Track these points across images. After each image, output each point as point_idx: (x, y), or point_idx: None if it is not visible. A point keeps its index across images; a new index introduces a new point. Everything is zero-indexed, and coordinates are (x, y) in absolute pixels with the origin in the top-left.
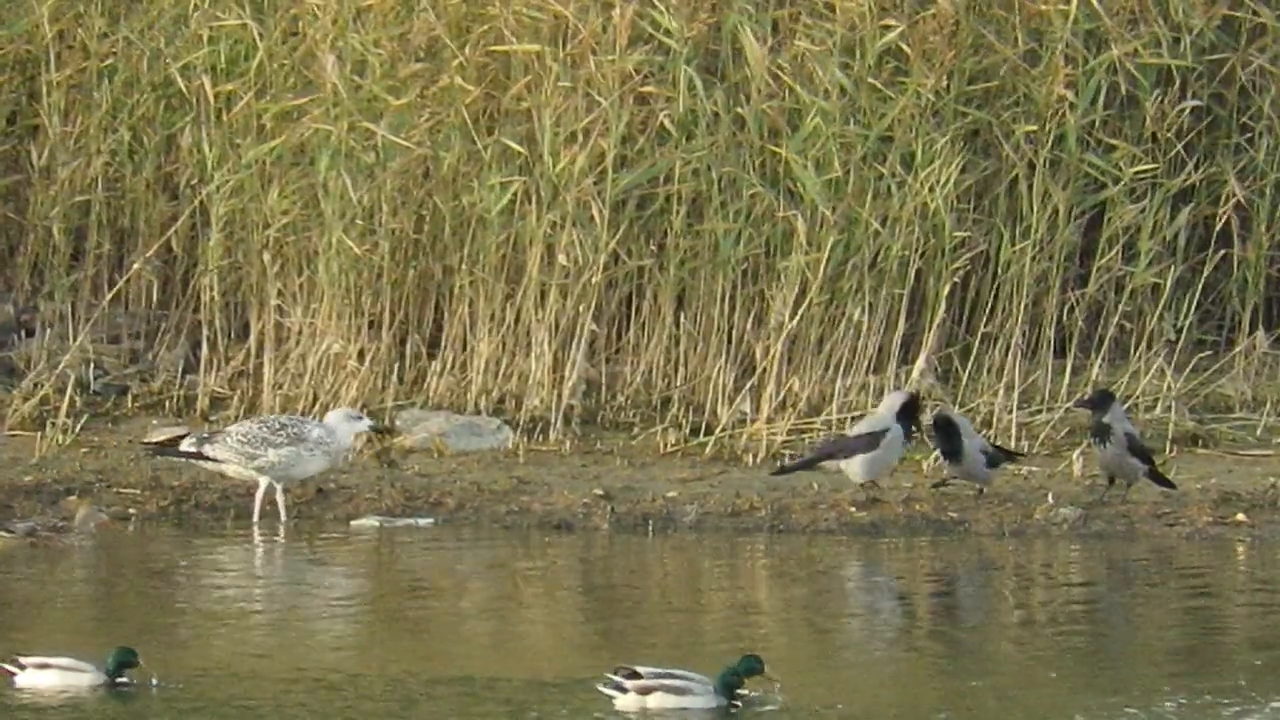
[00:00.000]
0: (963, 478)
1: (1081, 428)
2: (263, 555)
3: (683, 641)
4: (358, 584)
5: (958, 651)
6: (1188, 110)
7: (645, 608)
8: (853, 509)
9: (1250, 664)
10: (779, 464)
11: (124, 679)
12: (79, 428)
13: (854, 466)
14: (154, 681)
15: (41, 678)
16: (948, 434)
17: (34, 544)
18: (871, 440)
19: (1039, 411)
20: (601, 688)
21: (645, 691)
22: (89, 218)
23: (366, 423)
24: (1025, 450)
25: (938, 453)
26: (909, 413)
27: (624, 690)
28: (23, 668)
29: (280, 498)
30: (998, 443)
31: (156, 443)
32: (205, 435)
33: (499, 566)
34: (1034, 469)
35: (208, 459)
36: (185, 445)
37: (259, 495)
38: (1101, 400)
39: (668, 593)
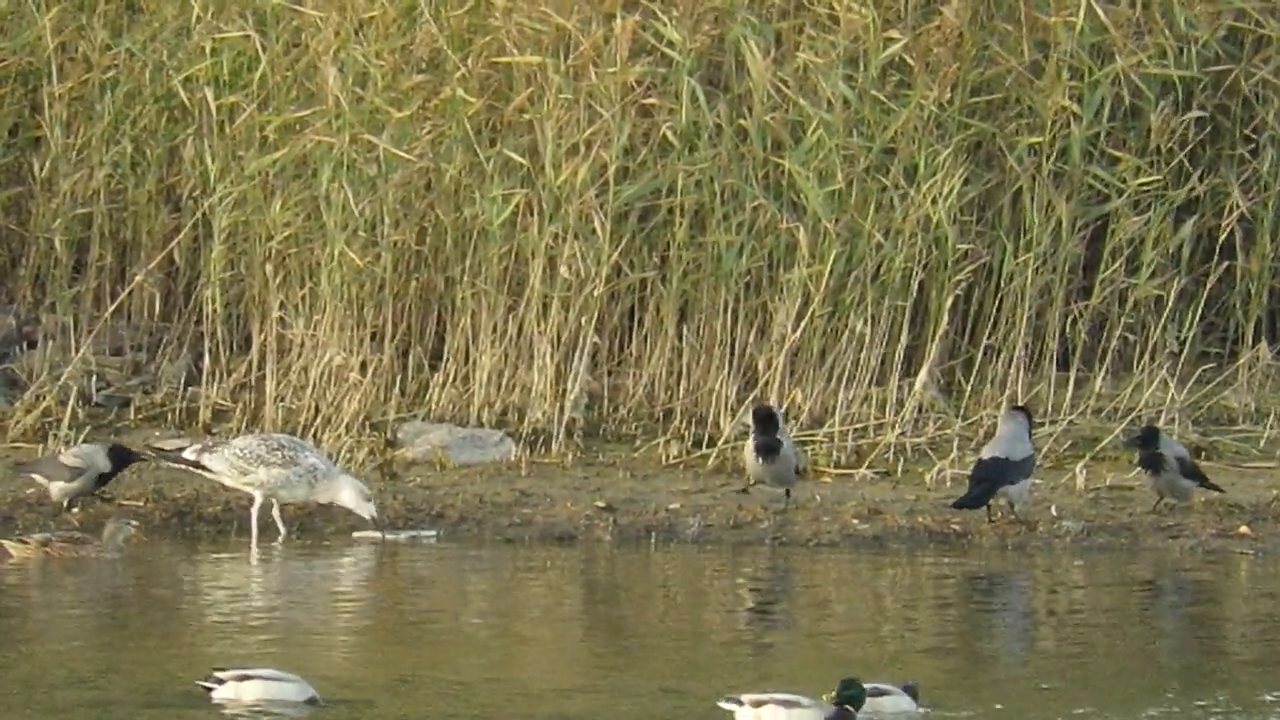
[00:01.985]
0: (771, 479)
1: (1084, 439)
2: (292, 568)
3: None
4: (433, 596)
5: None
6: (1191, 122)
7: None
8: (855, 521)
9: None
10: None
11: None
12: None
13: (1024, 492)
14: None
15: (245, 690)
16: (767, 427)
17: (48, 554)
18: (1030, 465)
19: (1042, 424)
20: (722, 704)
21: (758, 705)
22: (91, 230)
23: (370, 511)
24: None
25: (752, 446)
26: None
27: (740, 704)
28: (221, 682)
29: (276, 512)
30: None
31: (159, 448)
32: (209, 444)
33: (544, 579)
34: (1037, 482)
35: (204, 469)
36: (188, 454)
37: (255, 511)
38: (1149, 437)
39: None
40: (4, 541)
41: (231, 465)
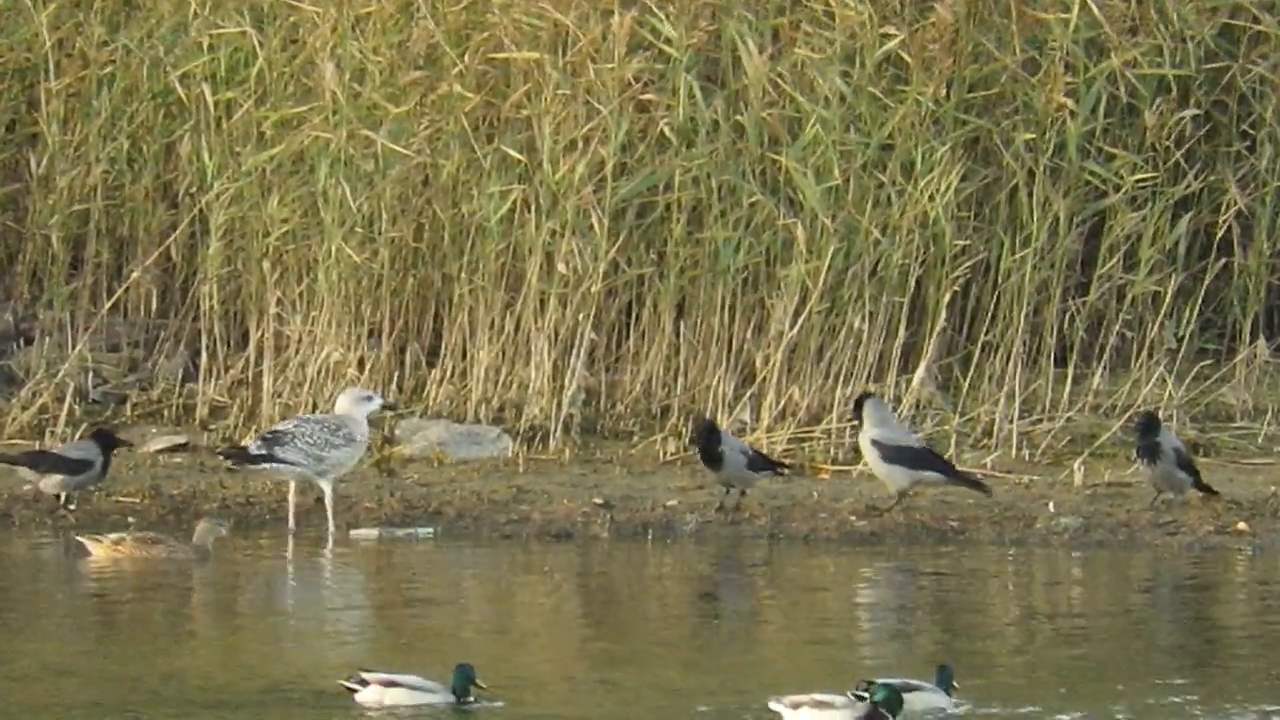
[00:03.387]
0: (724, 483)
1: (1082, 436)
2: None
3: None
4: (532, 590)
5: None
6: (1188, 118)
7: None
8: (853, 517)
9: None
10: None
11: (470, 697)
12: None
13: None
14: (498, 703)
15: (388, 695)
16: (707, 439)
17: (120, 552)
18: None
19: (1040, 420)
20: (772, 704)
21: (796, 706)
22: (88, 226)
23: (377, 401)
24: (788, 464)
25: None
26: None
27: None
28: (365, 684)
29: (292, 500)
30: (772, 455)
31: (225, 452)
32: (268, 436)
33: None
34: (1035, 478)
35: (280, 461)
36: (254, 448)
37: (329, 502)
38: (1150, 423)
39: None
40: (83, 539)
41: (307, 455)
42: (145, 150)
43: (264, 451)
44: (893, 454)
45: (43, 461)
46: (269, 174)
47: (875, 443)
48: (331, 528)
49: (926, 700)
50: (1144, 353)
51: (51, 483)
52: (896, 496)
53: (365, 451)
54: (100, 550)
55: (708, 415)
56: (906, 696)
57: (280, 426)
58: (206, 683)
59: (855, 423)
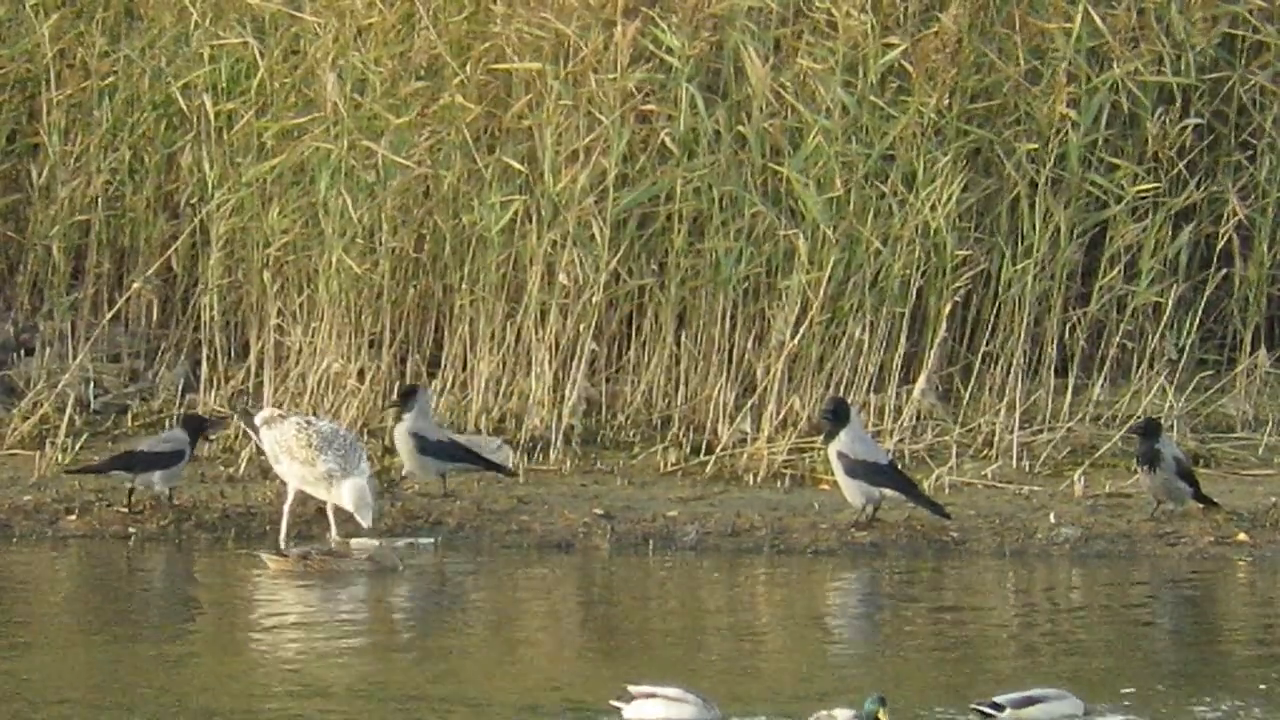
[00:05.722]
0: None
1: (1082, 446)
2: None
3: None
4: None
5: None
6: (1189, 128)
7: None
8: (853, 528)
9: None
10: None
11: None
12: (78, 447)
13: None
14: None
15: (647, 709)
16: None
17: (307, 567)
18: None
19: (1040, 431)
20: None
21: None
22: (89, 236)
23: (367, 518)
24: (509, 470)
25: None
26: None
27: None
28: (632, 698)
29: (330, 510)
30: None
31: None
32: (277, 415)
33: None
34: (1035, 488)
35: (256, 435)
36: (259, 418)
37: (286, 506)
38: (1152, 428)
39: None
40: (262, 554)
41: (269, 450)
42: (146, 161)
43: (256, 421)
44: (856, 468)
45: (137, 462)
46: (270, 184)
47: (840, 455)
48: (284, 535)
49: (1053, 710)
50: (1145, 363)
51: (153, 479)
52: (859, 511)
53: (326, 490)
54: (282, 565)
55: (419, 385)
56: (1032, 709)
57: (300, 413)
58: (487, 695)
59: (828, 429)
